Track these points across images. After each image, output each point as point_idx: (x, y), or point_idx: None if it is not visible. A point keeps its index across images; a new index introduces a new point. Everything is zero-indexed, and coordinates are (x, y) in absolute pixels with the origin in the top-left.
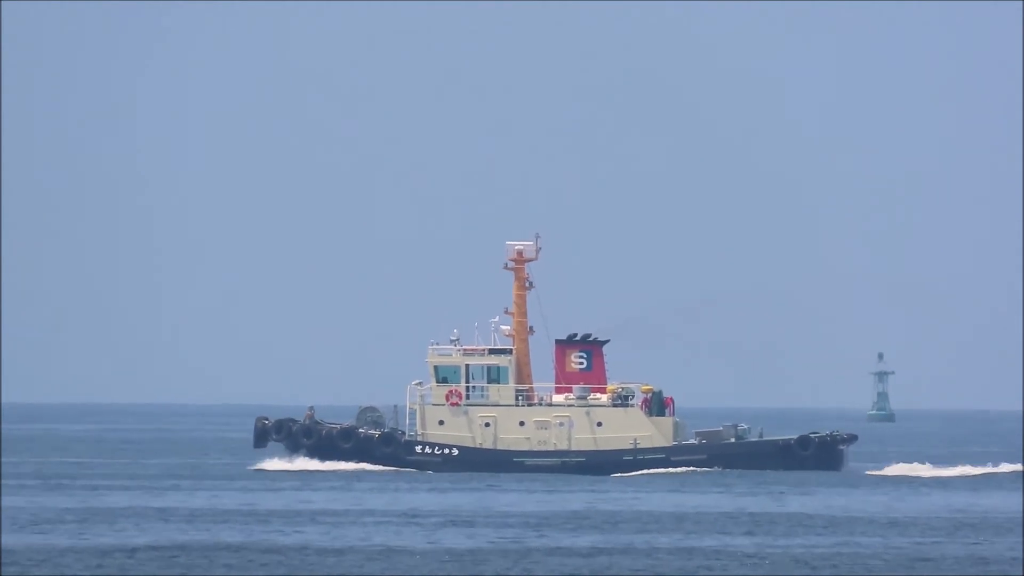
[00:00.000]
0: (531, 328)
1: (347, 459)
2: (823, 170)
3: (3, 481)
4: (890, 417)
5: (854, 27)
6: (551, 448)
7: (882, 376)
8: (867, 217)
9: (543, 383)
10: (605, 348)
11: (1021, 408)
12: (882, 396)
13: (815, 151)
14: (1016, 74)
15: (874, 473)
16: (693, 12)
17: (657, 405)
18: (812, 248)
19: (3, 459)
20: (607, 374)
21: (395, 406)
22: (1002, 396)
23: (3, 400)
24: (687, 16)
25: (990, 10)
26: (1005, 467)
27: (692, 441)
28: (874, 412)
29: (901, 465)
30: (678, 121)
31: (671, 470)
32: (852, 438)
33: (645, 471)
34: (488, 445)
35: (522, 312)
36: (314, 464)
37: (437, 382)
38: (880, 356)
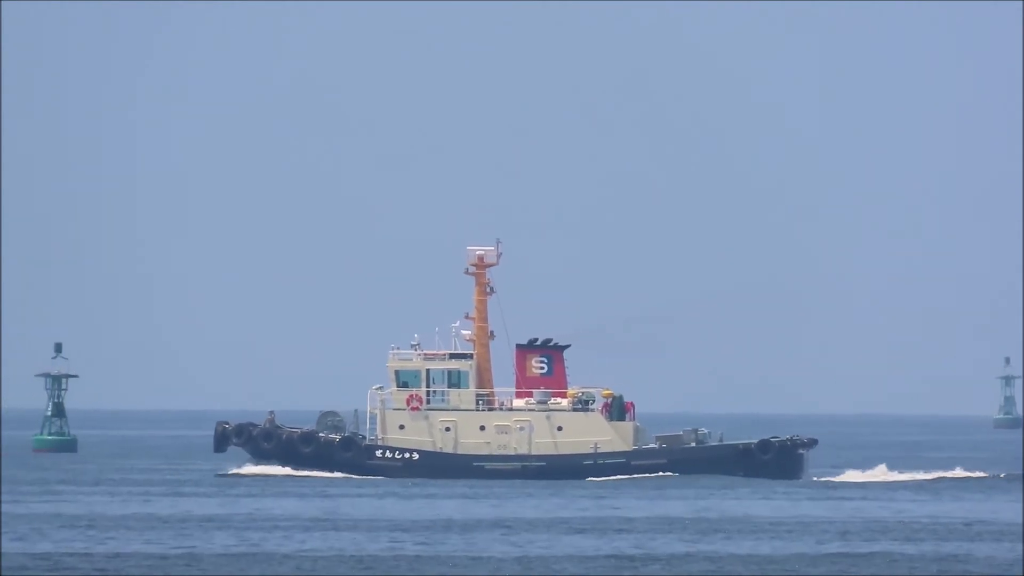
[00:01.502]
0: (492, 333)
1: (307, 463)
2: (805, 171)
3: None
4: (1017, 422)
5: (854, 28)
6: (512, 452)
7: (1009, 380)
8: (861, 218)
9: (504, 388)
10: (566, 353)
11: None
12: (1009, 400)
13: (794, 151)
14: (1016, 74)
15: (827, 480)
16: (663, 12)
17: (617, 410)
18: (808, 249)
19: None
20: (568, 379)
21: (356, 410)
22: None
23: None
24: (658, 17)
25: (990, 10)
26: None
27: (652, 445)
28: (1000, 416)
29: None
30: (644, 125)
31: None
32: (812, 442)
33: (605, 476)
34: (449, 449)
35: (483, 317)
36: (274, 468)
37: (398, 386)
38: (1007, 360)
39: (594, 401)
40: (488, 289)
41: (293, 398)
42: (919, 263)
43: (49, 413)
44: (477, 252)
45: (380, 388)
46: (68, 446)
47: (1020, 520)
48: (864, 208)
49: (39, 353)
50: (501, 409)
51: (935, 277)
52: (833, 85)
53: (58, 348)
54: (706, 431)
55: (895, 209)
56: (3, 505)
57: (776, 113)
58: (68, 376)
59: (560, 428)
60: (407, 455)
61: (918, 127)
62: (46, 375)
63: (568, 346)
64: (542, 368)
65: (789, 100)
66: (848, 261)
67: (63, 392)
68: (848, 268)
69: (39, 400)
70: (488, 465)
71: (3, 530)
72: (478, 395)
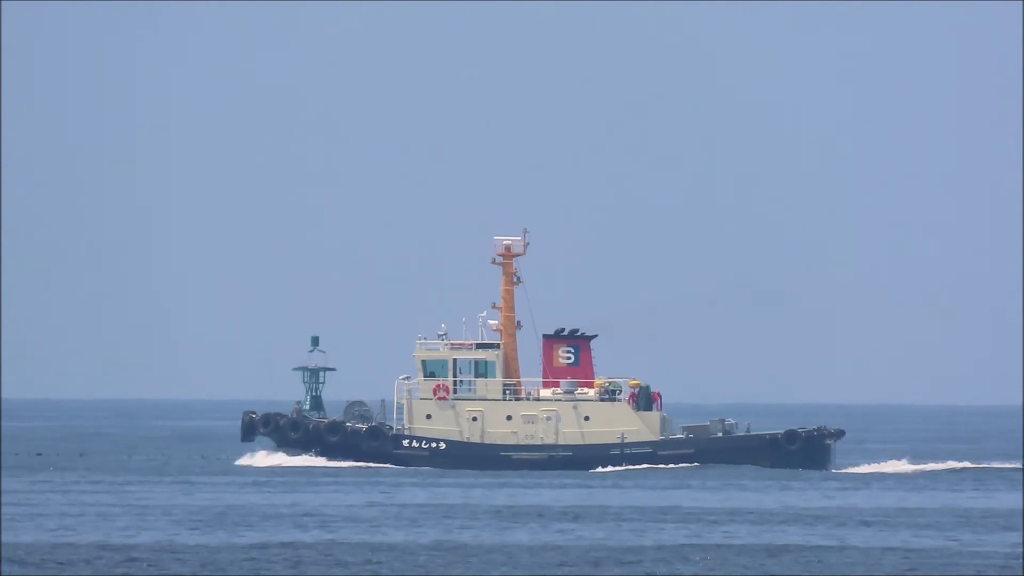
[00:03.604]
0: (518, 323)
1: (334, 453)
2: (819, 167)
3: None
4: None
5: (853, 28)
6: (538, 442)
7: None
8: (860, 217)
9: (530, 378)
10: (593, 343)
11: None
12: None
13: (811, 148)
14: (1016, 74)
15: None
16: (686, 12)
17: (644, 400)
18: (812, 248)
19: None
20: (595, 369)
21: (383, 400)
22: None
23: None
24: (680, 15)
25: (990, 10)
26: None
27: (679, 435)
28: None
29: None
30: (669, 118)
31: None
32: (839, 433)
33: (632, 466)
34: (475, 439)
35: (510, 307)
36: (302, 459)
37: (424, 376)
38: None
39: (621, 391)
40: (515, 279)
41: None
42: (920, 260)
43: (307, 407)
44: (504, 242)
45: (407, 378)
46: None
47: None
48: (864, 206)
49: (298, 346)
50: (528, 399)
51: (935, 274)
52: (834, 84)
53: (315, 341)
54: (733, 421)
55: (895, 207)
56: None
57: (777, 111)
58: (326, 369)
59: (587, 418)
60: (434, 444)
61: (918, 126)
62: (303, 368)
63: (595, 336)
64: (569, 358)
65: (791, 99)
66: (849, 256)
67: (320, 385)
68: (853, 261)
69: (297, 393)
70: (515, 455)
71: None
72: (505, 385)
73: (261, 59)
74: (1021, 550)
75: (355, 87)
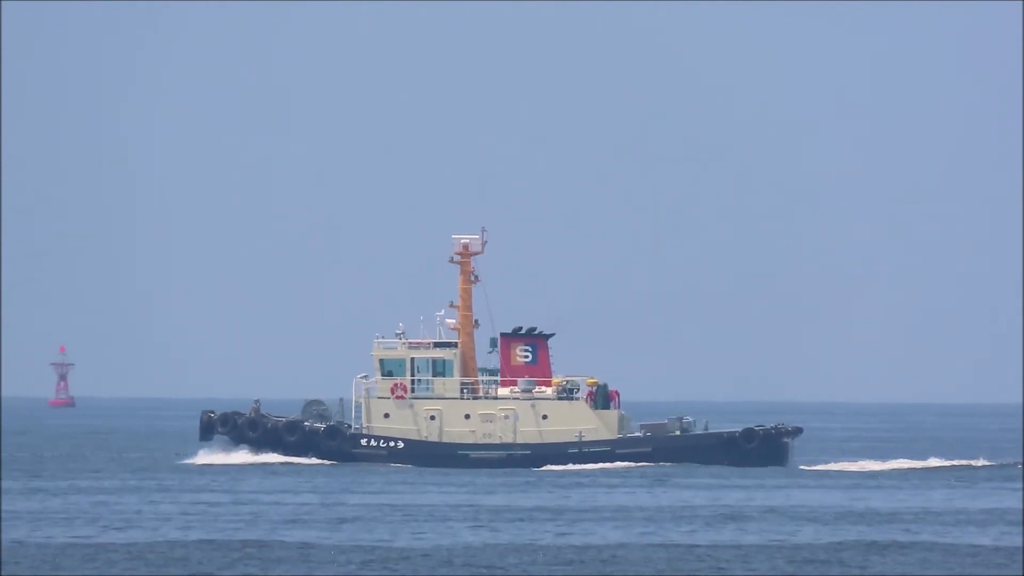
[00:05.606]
0: (476, 321)
1: (293, 452)
2: (805, 166)
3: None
4: None
5: (853, 28)
6: (496, 441)
7: None
8: (857, 214)
9: (488, 376)
10: (550, 341)
11: None
12: None
13: (794, 146)
14: (1016, 74)
15: (811, 468)
16: (646, 9)
17: (602, 398)
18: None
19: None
20: (552, 367)
21: (341, 399)
22: None
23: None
24: (641, 13)
25: (990, 10)
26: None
27: (637, 434)
28: None
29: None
30: (630, 115)
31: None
32: (797, 431)
33: (590, 464)
34: (433, 438)
35: (467, 306)
36: (260, 457)
37: (382, 375)
38: None
39: (579, 389)
40: (473, 277)
41: (278, 387)
42: (917, 258)
43: None
44: (462, 240)
45: (365, 377)
46: None
47: None
48: (861, 204)
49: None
50: (486, 397)
51: (935, 273)
52: (831, 84)
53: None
54: (691, 419)
55: (894, 206)
56: None
57: (773, 109)
58: None
59: (545, 416)
60: (392, 443)
61: (918, 126)
62: None
63: (553, 335)
64: (527, 357)
65: (787, 96)
66: (846, 255)
67: None
68: (847, 262)
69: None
70: (473, 454)
71: None
72: (463, 383)
73: (218, 67)
74: (1021, 548)
75: (312, 87)
